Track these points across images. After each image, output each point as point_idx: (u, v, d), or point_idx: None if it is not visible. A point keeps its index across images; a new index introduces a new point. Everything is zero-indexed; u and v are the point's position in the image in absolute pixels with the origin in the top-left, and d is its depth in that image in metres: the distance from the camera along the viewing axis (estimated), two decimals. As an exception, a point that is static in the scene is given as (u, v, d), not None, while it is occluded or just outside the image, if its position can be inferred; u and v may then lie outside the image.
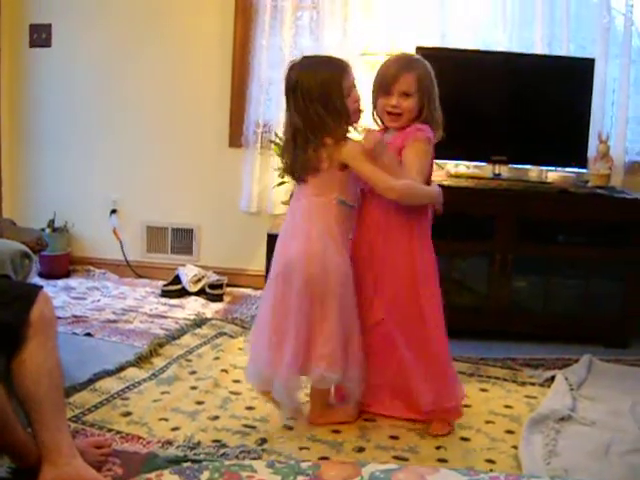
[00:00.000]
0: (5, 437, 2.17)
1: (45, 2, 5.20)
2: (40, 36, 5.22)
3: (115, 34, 5.13)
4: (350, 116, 2.80)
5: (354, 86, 2.82)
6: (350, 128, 2.85)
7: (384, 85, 2.89)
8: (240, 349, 3.75)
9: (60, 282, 4.97)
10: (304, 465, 2.15)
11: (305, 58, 2.89)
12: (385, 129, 2.99)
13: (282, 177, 4.42)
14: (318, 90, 2.74)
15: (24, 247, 2.97)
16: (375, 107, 2.97)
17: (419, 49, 4.28)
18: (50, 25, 5.20)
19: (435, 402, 2.88)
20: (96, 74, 5.19)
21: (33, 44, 5.25)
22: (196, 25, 5.04)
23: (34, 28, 5.23)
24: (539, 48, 4.59)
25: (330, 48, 4.72)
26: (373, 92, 2.96)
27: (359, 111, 2.86)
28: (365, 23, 4.70)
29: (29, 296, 2.30)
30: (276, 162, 4.75)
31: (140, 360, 3.49)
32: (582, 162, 4.40)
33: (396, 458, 2.69)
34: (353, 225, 2.95)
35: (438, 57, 4.30)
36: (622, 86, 4.59)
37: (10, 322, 2.23)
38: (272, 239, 4.18)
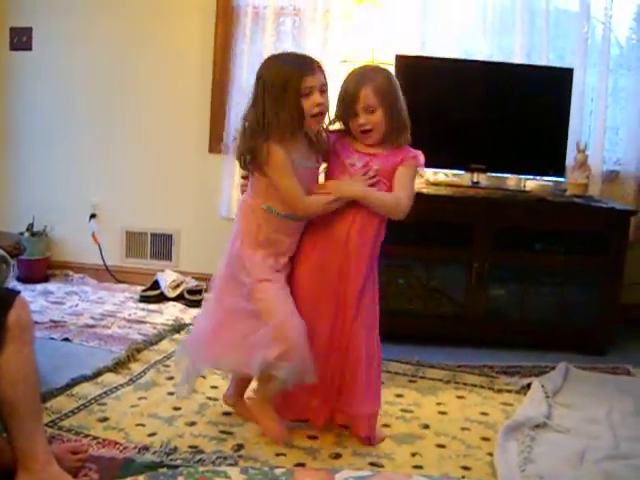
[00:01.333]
0: None
1: (26, 5, 5.20)
2: (21, 39, 5.22)
3: (95, 38, 5.13)
4: (303, 117, 2.71)
5: (320, 90, 2.72)
6: (301, 131, 2.78)
7: (347, 106, 2.81)
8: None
9: (39, 286, 4.96)
10: (278, 471, 2.16)
11: (281, 53, 2.91)
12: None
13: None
14: (276, 83, 2.68)
15: (1, 252, 2.96)
16: (348, 128, 2.89)
17: (399, 57, 4.31)
18: (31, 28, 5.21)
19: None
20: (76, 78, 5.20)
21: (14, 47, 5.25)
22: (177, 30, 5.05)
23: (15, 31, 5.23)
24: (518, 57, 4.64)
25: (311, 54, 4.75)
26: (338, 113, 2.88)
27: (319, 115, 2.75)
28: (346, 30, 4.71)
29: (6, 301, 2.29)
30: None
31: (118, 365, 3.48)
32: (560, 171, 4.44)
33: (372, 464, 2.69)
34: (295, 239, 2.88)
35: (417, 65, 4.37)
36: (600, 95, 4.65)
37: (-14, 326, 2.22)
38: (251, 245, 4.20)
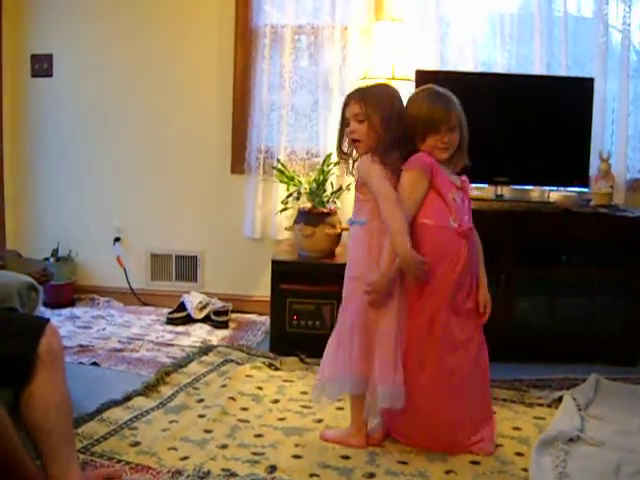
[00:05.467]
0: (14, 469, 2.15)
1: (46, 33, 5.24)
2: (42, 66, 5.28)
3: (115, 62, 5.17)
4: (347, 142, 3.02)
5: (355, 119, 2.90)
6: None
7: (428, 125, 2.94)
8: (247, 376, 3.75)
9: (65, 311, 4.97)
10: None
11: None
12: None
13: (285, 203, 4.44)
14: None
15: (30, 279, 2.96)
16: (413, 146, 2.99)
17: (418, 72, 4.31)
18: (51, 55, 5.26)
19: None
20: (97, 103, 5.23)
21: (35, 74, 5.30)
22: (196, 52, 5.07)
23: (36, 58, 5.28)
24: (538, 67, 4.62)
25: (329, 73, 4.77)
26: (418, 131, 2.96)
27: (353, 142, 2.97)
28: (365, 47, 4.73)
29: (37, 329, 2.31)
30: (279, 188, 4.78)
31: (147, 389, 3.48)
32: (584, 181, 4.42)
33: (406, 483, 2.68)
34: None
35: (438, 80, 4.34)
36: (621, 103, 4.63)
37: (18, 355, 2.23)
38: (276, 265, 4.21)
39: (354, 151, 3.02)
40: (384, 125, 2.86)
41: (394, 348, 2.82)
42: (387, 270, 2.80)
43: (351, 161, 3.06)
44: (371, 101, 2.88)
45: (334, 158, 4.21)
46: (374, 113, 2.86)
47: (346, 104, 2.96)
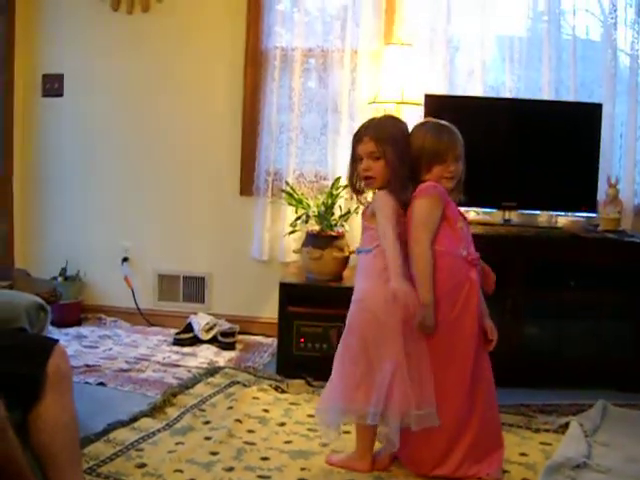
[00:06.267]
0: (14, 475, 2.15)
1: (57, 53, 5.29)
2: (53, 86, 5.32)
3: (125, 83, 5.21)
4: (359, 180, 3.02)
5: (369, 157, 2.90)
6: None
7: (434, 155, 2.94)
8: (254, 398, 3.74)
9: (72, 330, 4.98)
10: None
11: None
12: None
13: (294, 226, 4.45)
14: None
15: (39, 299, 2.96)
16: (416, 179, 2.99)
17: (428, 97, 4.33)
18: (62, 75, 5.30)
19: None
20: (107, 123, 5.26)
21: (46, 94, 5.35)
22: (207, 74, 5.11)
23: (47, 78, 5.33)
24: (546, 91, 4.64)
25: (338, 95, 4.79)
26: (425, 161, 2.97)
27: (364, 179, 2.97)
28: (374, 71, 4.75)
29: (45, 350, 2.31)
30: (287, 210, 4.78)
31: (154, 410, 3.47)
32: (592, 206, 4.42)
33: (411, 508, 2.68)
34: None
35: (446, 104, 4.39)
36: (629, 127, 4.64)
37: (27, 376, 2.23)
38: (284, 287, 4.21)
39: (362, 184, 3.03)
40: (400, 161, 2.87)
41: (422, 371, 2.82)
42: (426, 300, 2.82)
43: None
44: (385, 137, 2.88)
45: (343, 181, 4.22)
46: (390, 150, 2.86)
47: (359, 141, 2.94)
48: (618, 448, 3.22)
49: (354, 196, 3.14)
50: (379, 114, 3.41)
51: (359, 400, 2.82)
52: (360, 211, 3.17)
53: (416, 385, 2.78)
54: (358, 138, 2.95)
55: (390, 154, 2.86)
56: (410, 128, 3.03)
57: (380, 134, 2.89)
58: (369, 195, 3.07)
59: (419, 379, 2.79)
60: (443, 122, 3.03)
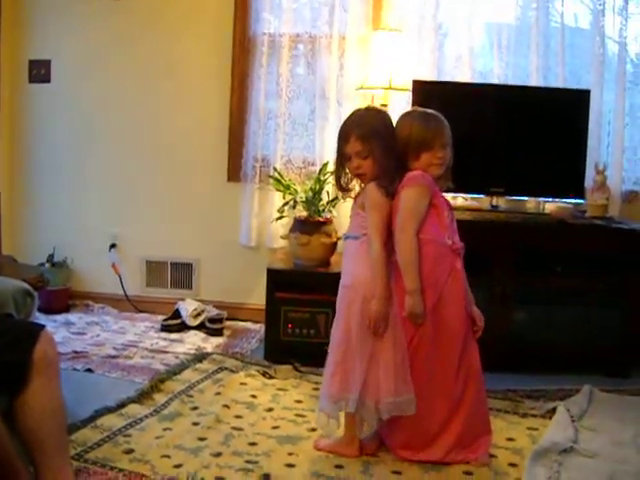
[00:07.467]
0: (2, 468, 2.14)
1: (44, 39, 5.26)
2: (39, 72, 5.29)
3: (113, 69, 5.19)
4: (347, 177, 3.05)
5: (358, 156, 2.90)
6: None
7: (422, 143, 2.94)
8: (242, 384, 3.75)
9: (59, 317, 4.97)
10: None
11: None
12: None
13: (281, 212, 4.44)
14: None
15: (26, 285, 2.96)
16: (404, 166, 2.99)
17: (415, 82, 4.32)
18: (49, 61, 5.27)
19: None
20: (94, 109, 5.24)
21: (32, 80, 5.32)
22: (194, 59, 5.09)
23: (33, 64, 5.30)
24: (534, 78, 4.64)
25: (326, 82, 4.78)
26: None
27: (356, 177, 3.01)
28: (362, 57, 4.74)
29: (32, 335, 2.30)
30: (275, 196, 4.77)
31: (141, 396, 3.47)
32: (579, 193, 4.43)
33: (399, 493, 2.68)
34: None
35: (434, 90, 4.38)
36: (617, 114, 4.63)
37: (13, 362, 2.23)
38: (272, 273, 4.21)
39: (354, 182, 3.05)
40: (386, 155, 2.87)
41: (396, 359, 2.83)
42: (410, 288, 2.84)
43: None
44: (370, 134, 2.88)
45: (330, 167, 4.21)
46: (376, 146, 2.87)
47: (345, 140, 2.94)
48: (604, 432, 3.24)
49: (339, 194, 3.17)
50: (364, 104, 3.41)
51: (336, 387, 2.86)
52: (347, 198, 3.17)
53: (392, 371, 2.80)
54: (344, 138, 2.95)
55: (377, 151, 2.88)
56: (397, 116, 3.03)
57: (365, 131, 2.89)
58: (355, 190, 3.09)
59: (395, 366, 2.81)
60: (429, 110, 3.03)
